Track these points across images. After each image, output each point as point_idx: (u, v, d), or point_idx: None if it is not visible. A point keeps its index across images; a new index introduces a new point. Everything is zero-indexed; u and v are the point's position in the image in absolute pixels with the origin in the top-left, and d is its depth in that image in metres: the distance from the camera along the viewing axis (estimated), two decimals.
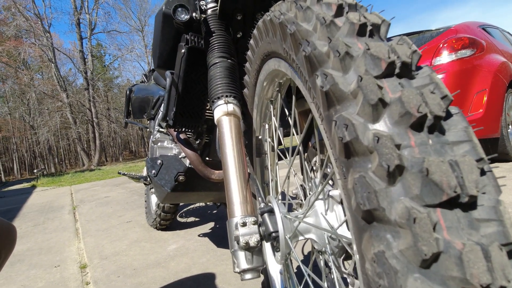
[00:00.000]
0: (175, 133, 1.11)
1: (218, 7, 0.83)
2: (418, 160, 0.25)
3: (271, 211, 0.60)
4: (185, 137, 1.13)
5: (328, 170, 0.62)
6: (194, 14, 0.82)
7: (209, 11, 0.85)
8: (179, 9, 0.80)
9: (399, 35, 3.22)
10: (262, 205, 0.64)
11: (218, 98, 0.73)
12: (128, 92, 1.89)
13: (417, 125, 0.27)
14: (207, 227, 2.06)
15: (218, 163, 1.21)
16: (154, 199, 2.31)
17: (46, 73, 19.87)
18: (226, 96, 0.73)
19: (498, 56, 2.77)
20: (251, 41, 0.66)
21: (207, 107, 1.11)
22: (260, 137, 0.83)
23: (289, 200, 0.71)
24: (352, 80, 0.32)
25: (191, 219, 2.33)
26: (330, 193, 0.59)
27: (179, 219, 2.37)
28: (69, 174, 10.81)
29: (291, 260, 0.82)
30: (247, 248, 0.57)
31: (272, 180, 0.80)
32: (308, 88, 0.40)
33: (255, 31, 0.62)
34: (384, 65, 0.32)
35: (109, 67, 24.24)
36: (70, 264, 1.68)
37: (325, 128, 0.35)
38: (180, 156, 1.24)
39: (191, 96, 1.00)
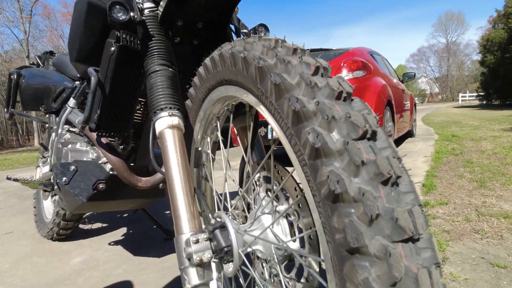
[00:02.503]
0: (95, 136, 0.99)
1: (160, 11, 0.79)
2: (388, 209, 0.33)
3: (222, 227, 0.62)
4: (108, 141, 1.02)
5: (274, 186, 0.67)
6: (132, 14, 0.75)
7: (146, 11, 0.79)
8: (117, 7, 0.72)
9: (313, 49, 3.59)
10: (213, 220, 0.65)
11: (161, 109, 0.70)
12: (15, 76, 1.55)
13: (384, 181, 0.35)
14: (119, 233, 1.88)
15: (144, 169, 1.14)
16: (48, 204, 1.97)
17: None
18: (170, 108, 0.70)
19: (381, 79, 3.41)
20: (208, 62, 0.65)
21: (137, 111, 1.03)
22: (200, 149, 0.83)
23: (233, 214, 0.73)
24: (336, 139, 0.38)
25: (97, 225, 2.08)
26: (277, 208, 0.65)
27: (81, 226, 2.08)
28: None
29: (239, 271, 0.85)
30: (200, 264, 0.57)
31: (217, 194, 0.81)
32: (286, 128, 0.44)
33: (216, 56, 0.62)
34: (361, 131, 0.39)
35: None
36: None
37: (307, 171, 0.39)
38: (100, 162, 1.10)
39: (119, 98, 0.91)
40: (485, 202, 1.85)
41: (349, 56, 3.20)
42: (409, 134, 5.40)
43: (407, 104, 4.81)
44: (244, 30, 0.96)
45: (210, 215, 0.71)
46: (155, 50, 0.76)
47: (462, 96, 31.35)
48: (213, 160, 0.85)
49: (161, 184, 1.12)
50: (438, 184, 2.29)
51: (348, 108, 0.41)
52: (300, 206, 0.59)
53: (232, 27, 0.96)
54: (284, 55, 0.50)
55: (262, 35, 0.96)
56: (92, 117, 0.88)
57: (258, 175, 0.75)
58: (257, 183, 0.75)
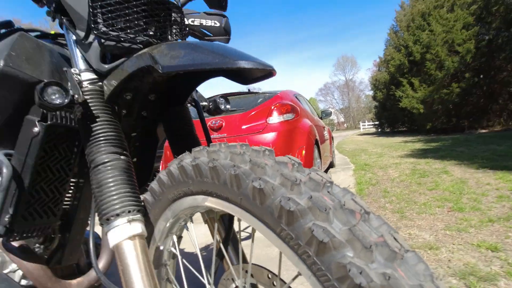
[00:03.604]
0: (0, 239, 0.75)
1: (106, 87, 0.66)
2: (414, 286, 0.33)
3: None
4: (22, 243, 0.78)
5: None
6: (72, 94, 0.59)
7: (87, 86, 0.65)
8: (52, 88, 0.56)
9: (241, 92, 3.70)
10: None
11: (117, 215, 0.56)
12: None
13: (398, 260, 0.35)
14: None
15: (75, 268, 0.90)
16: None
17: None
18: (129, 212, 0.57)
19: (307, 120, 3.68)
20: (176, 171, 0.56)
21: (66, 198, 0.82)
22: (162, 248, 0.69)
23: None
24: (340, 229, 0.37)
25: None
26: None
27: None
28: None
29: None
30: None
31: None
32: (280, 231, 0.41)
33: (182, 167, 0.54)
34: (358, 216, 0.38)
35: None
36: None
37: (318, 269, 0.37)
38: (7, 271, 0.83)
39: (43, 188, 0.72)
40: (411, 234, 2.07)
41: (277, 100, 3.38)
42: (331, 164, 5.91)
43: (327, 138, 5.30)
44: (204, 103, 0.89)
45: None
46: (101, 136, 0.62)
47: (362, 125, 36.68)
48: (178, 257, 0.72)
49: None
50: None
51: (335, 196, 0.41)
52: None
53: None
54: (255, 157, 0.47)
55: (222, 107, 0.91)
56: (2, 220, 0.65)
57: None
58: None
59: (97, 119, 0.62)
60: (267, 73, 0.52)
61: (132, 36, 0.64)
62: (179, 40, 0.69)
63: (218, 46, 0.52)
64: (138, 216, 0.57)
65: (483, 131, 12.02)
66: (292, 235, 0.39)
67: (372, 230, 0.37)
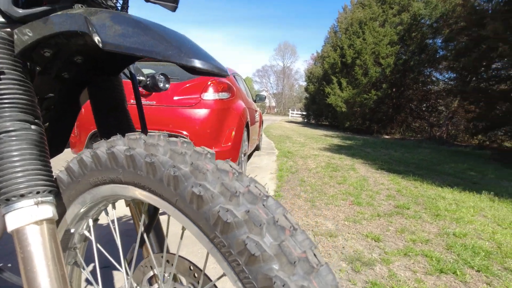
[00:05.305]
0: None
1: (18, 36, 0.54)
2: None
3: None
4: None
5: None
6: None
7: None
8: None
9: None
10: None
11: (22, 196, 0.48)
12: None
13: (314, 273, 0.40)
14: None
15: None
16: None
17: None
18: (38, 192, 0.49)
19: (242, 102, 3.69)
20: (103, 155, 0.50)
21: None
22: (72, 230, 0.62)
23: None
24: (270, 243, 0.39)
25: None
26: None
27: None
28: None
29: None
30: None
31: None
32: (212, 236, 0.42)
33: (112, 154, 0.49)
34: (288, 232, 0.41)
35: None
36: None
37: (245, 277, 0.40)
38: None
39: None
40: (317, 222, 2.33)
41: (215, 77, 3.29)
42: (257, 147, 6.12)
43: (257, 121, 5.45)
44: (141, 78, 0.80)
45: None
46: (7, 98, 0.51)
47: (291, 112, 38.68)
48: (90, 240, 0.66)
49: None
50: (284, 205, 2.70)
51: (269, 211, 0.43)
52: None
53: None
54: (197, 160, 0.46)
55: (161, 85, 0.84)
56: None
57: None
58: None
59: (2, 76, 0.51)
60: (219, 75, 0.50)
61: None
62: (122, 12, 0.60)
63: (173, 34, 0.47)
64: (50, 198, 0.50)
65: (387, 137, 14.03)
66: (225, 243, 0.40)
67: (297, 245, 0.40)
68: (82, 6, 0.59)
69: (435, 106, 14.53)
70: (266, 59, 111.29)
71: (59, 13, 0.50)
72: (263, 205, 0.42)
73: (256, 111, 5.29)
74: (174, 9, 0.88)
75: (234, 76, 4.05)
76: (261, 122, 6.22)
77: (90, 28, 0.44)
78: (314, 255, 0.40)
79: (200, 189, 0.40)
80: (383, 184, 3.71)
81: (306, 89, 24.30)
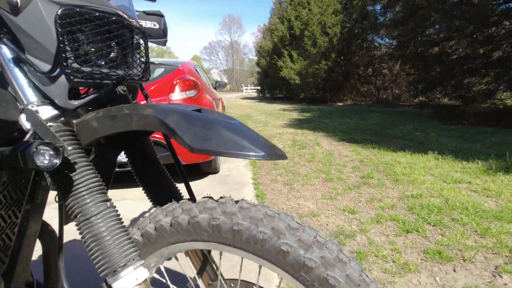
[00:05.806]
0: None
1: (82, 132, 0.60)
2: None
3: None
4: None
5: None
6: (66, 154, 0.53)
7: (57, 126, 0.59)
8: (47, 148, 0.49)
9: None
10: None
11: (124, 265, 0.58)
12: None
13: None
14: None
15: None
16: None
17: None
18: (133, 259, 0.60)
19: (208, 96, 3.72)
20: (185, 223, 0.60)
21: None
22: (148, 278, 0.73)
23: None
24: (339, 275, 0.53)
25: None
26: None
27: None
28: None
29: None
30: None
31: None
32: (298, 276, 0.54)
33: (197, 224, 0.60)
34: (348, 265, 0.56)
35: None
36: None
37: None
38: None
39: None
40: (299, 204, 2.57)
41: (180, 74, 3.26)
42: None
43: (220, 110, 5.49)
44: None
45: None
46: (83, 185, 0.58)
47: (245, 88, 38.54)
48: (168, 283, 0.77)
49: None
50: (266, 192, 2.90)
51: (332, 251, 0.56)
52: None
53: None
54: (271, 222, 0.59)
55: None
56: None
57: None
58: None
59: (76, 166, 0.58)
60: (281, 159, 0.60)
61: (105, 71, 0.61)
62: (179, 106, 0.67)
63: (242, 131, 0.56)
64: (142, 261, 0.61)
65: (340, 104, 14.86)
66: (310, 280, 0.53)
67: (355, 272, 0.55)
68: (124, 89, 0.66)
69: (380, 70, 15.62)
70: (213, 34, 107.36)
71: (126, 112, 0.57)
72: (326, 247, 0.57)
73: (219, 99, 5.31)
74: (165, 44, 0.97)
75: (195, 69, 4.01)
76: (223, 108, 6.25)
77: (170, 131, 0.53)
78: (366, 275, 0.57)
79: (286, 247, 0.54)
80: (347, 156, 4.10)
81: (258, 64, 24.30)
